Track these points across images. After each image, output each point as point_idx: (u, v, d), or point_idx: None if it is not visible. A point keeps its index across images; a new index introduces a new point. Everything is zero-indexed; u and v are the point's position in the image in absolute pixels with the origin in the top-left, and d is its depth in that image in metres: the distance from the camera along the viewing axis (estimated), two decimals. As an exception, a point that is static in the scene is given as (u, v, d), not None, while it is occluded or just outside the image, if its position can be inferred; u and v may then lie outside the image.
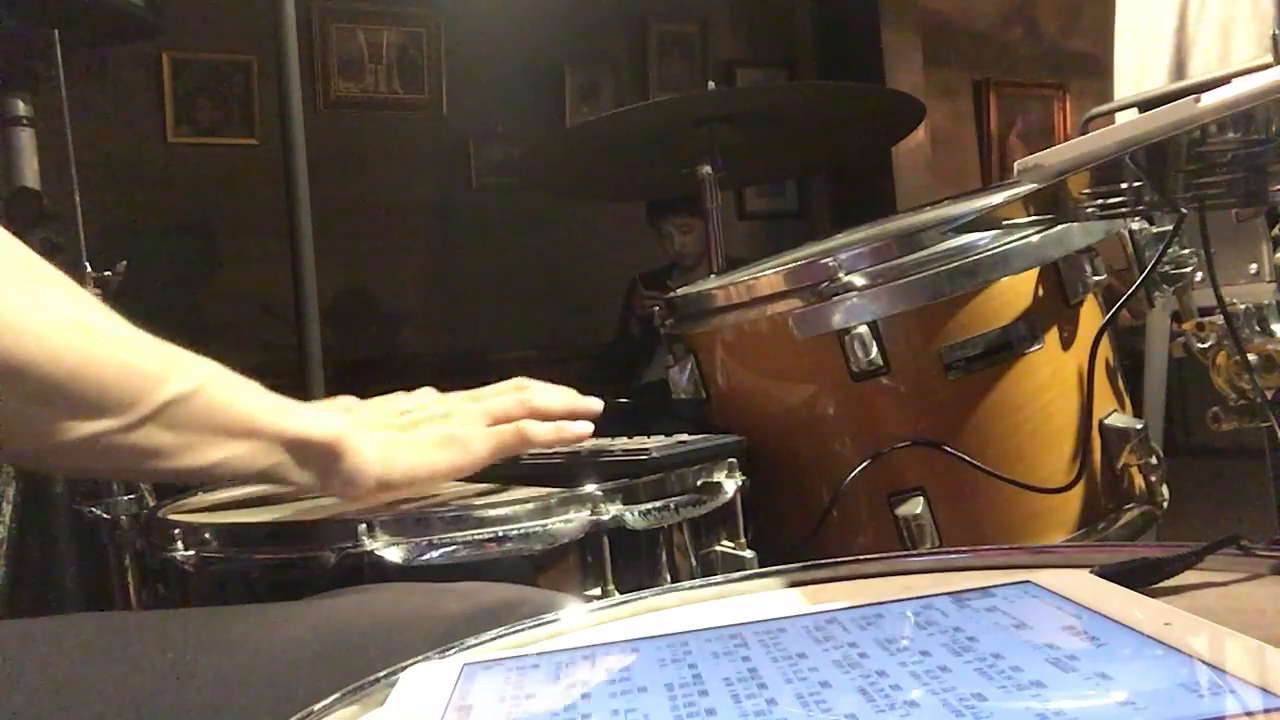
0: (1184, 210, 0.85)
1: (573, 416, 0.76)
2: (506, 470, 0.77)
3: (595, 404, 0.78)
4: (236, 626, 0.58)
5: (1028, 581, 0.45)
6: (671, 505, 0.74)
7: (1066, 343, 0.90)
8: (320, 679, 0.51)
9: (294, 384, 1.19)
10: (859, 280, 0.85)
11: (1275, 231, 0.99)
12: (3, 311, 0.49)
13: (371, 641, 0.55)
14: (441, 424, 0.71)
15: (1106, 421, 0.91)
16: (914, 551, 0.83)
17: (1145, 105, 1.43)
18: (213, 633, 0.57)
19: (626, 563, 0.71)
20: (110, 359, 0.54)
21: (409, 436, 0.69)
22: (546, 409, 0.75)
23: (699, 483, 0.78)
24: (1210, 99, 0.57)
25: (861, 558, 0.54)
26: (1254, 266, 1.16)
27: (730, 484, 0.80)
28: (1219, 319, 0.88)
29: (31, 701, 0.49)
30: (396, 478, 0.67)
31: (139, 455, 0.55)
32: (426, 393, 0.76)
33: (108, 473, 0.58)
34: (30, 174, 1.35)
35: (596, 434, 0.78)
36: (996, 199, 0.92)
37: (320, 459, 0.63)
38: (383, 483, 0.66)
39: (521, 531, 0.68)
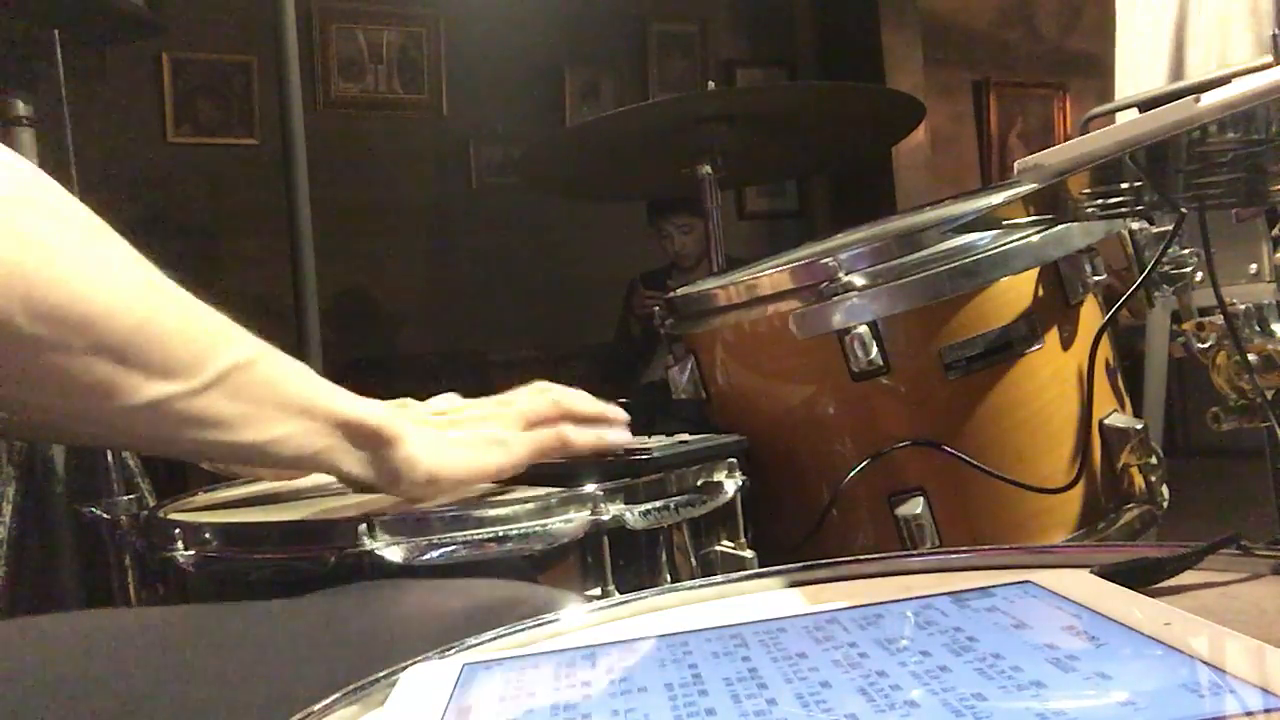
0: (1184, 210, 0.85)
1: (602, 420, 0.75)
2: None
3: (620, 412, 0.77)
4: (235, 623, 0.58)
5: (1028, 581, 0.45)
6: (672, 505, 0.74)
7: (1066, 343, 0.90)
8: (320, 676, 0.51)
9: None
10: (859, 280, 0.85)
11: (1275, 231, 0.99)
12: (71, 262, 0.48)
13: (371, 638, 0.55)
14: (483, 425, 0.70)
15: (1106, 421, 0.91)
16: (914, 551, 0.83)
17: (1145, 105, 1.43)
18: (212, 630, 0.57)
19: (626, 563, 0.71)
20: (175, 317, 0.53)
21: (456, 434, 0.68)
22: (579, 411, 0.74)
23: (699, 482, 0.78)
24: (1210, 99, 0.57)
25: (861, 558, 0.54)
26: (1254, 266, 1.16)
27: (730, 484, 0.80)
28: (1219, 319, 0.88)
29: (30, 699, 0.49)
30: (446, 475, 0.65)
31: (203, 425, 0.54)
32: (452, 398, 0.75)
33: (171, 448, 0.56)
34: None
35: None
36: (996, 199, 0.92)
37: (373, 446, 0.62)
38: (433, 478, 0.65)
39: (521, 531, 0.68)
